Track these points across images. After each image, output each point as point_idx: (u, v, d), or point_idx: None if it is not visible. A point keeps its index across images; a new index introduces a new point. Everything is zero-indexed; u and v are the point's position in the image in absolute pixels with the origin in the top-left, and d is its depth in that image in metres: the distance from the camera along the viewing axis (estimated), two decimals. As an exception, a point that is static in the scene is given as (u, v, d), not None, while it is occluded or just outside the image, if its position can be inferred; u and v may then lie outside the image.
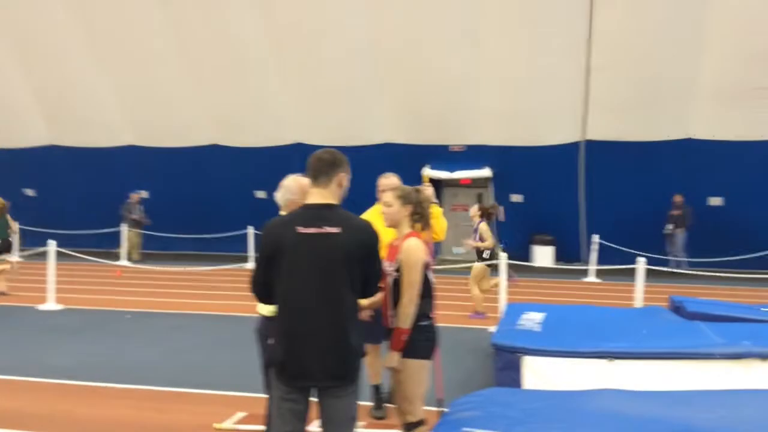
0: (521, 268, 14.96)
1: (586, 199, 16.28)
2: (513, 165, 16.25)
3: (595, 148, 15.64)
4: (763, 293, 12.78)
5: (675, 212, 15.78)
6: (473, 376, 6.83)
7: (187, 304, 11.36)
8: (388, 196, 4.04)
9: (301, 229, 3.25)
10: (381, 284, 3.98)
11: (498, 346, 5.89)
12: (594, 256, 14.97)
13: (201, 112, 17.06)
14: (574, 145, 15.87)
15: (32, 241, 16.12)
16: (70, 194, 18.79)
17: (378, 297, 4.30)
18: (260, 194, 17.29)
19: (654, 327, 6.46)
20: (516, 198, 16.92)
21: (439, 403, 4.94)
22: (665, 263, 14.93)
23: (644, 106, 14.76)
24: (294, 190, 4.14)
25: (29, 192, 19.51)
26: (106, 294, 12.11)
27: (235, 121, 17.02)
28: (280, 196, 4.23)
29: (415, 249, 3.92)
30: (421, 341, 3.94)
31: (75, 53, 16.75)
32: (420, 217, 4.06)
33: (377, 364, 5.55)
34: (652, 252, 14.31)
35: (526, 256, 16.56)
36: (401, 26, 14.90)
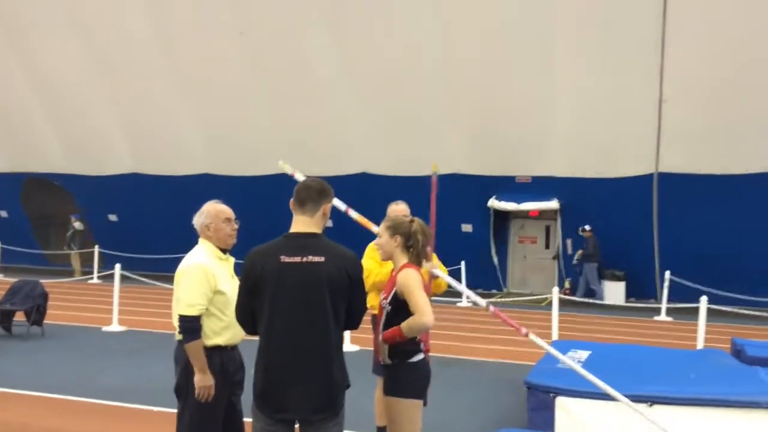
0: (589, 306, 14.43)
1: (660, 234, 15.60)
2: (582, 197, 15.82)
3: (670, 180, 15.02)
4: None
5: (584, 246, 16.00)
6: (509, 414, 6.60)
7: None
8: (380, 227, 3.91)
9: (285, 258, 3.22)
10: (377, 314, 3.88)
11: (531, 384, 5.68)
12: (666, 293, 14.25)
13: (273, 142, 17.45)
14: (647, 177, 15.29)
15: (111, 263, 16.83)
16: (148, 220, 19.53)
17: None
18: (327, 224, 17.45)
19: (704, 371, 6.06)
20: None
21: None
22: (746, 303, 14.04)
23: (721, 137, 14.10)
24: (210, 215, 4.02)
25: (112, 217, 20.46)
26: (170, 317, 12.42)
27: (306, 150, 17.29)
28: (196, 220, 4.06)
29: (409, 274, 3.71)
30: (412, 380, 3.75)
31: (158, 85, 17.55)
32: (413, 249, 3.83)
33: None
34: (731, 291, 13.55)
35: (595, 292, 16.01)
36: (470, 57, 14.85)
